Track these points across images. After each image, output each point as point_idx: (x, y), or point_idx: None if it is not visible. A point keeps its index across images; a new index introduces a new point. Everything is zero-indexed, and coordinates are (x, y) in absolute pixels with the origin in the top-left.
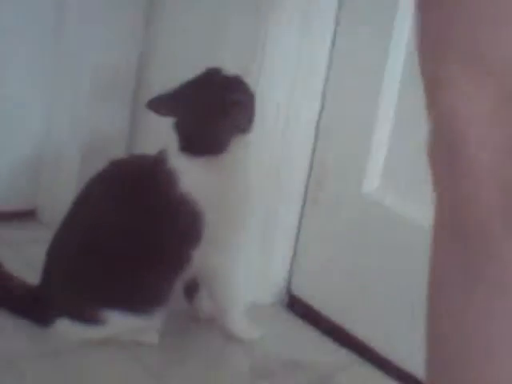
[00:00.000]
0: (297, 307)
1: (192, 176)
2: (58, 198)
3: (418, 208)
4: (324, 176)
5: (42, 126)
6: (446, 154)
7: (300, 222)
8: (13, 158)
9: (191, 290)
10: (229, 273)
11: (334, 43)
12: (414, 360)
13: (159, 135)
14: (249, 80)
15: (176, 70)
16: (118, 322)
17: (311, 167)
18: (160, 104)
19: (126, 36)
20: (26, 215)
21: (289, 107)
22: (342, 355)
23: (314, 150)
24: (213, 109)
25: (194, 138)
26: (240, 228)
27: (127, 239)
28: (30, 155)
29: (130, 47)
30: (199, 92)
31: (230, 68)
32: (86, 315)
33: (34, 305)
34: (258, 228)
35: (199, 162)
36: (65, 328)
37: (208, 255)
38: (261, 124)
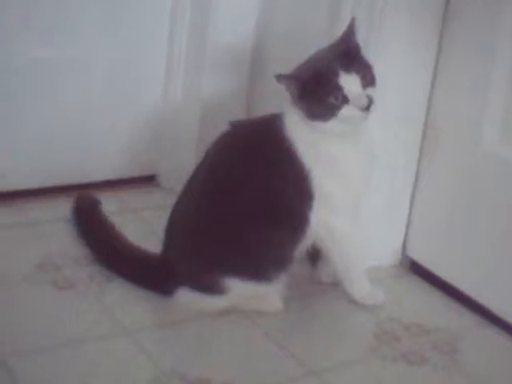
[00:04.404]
0: (417, 269)
1: (305, 138)
2: (178, 163)
3: None
4: (439, 134)
5: (161, 92)
6: None
7: (416, 182)
8: (132, 125)
9: (314, 255)
10: (345, 237)
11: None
12: None
13: (276, 98)
14: None
15: (291, 39)
16: (240, 290)
17: (426, 124)
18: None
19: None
20: (146, 181)
21: (403, 66)
22: (466, 318)
23: (429, 106)
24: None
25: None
26: (350, 192)
27: (248, 204)
28: (149, 122)
29: (248, 16)
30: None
31: None
32: (207, 284)
33: (155, 275)
34: (377, 190)
35: (310, 124)
36: (186, 298)
37: (323, 219)
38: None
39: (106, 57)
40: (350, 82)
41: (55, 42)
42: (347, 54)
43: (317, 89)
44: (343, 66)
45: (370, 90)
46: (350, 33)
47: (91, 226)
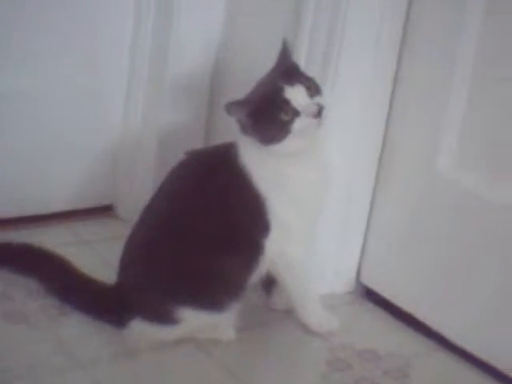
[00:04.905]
0: (371, 296)
1: (260, 166)
2: (135, 193)
3: (495, 186)
4: (395, 160)
5: (118, 122)
6: None
7: (371, 208)
8: (89, 155)
9: (268, 282)
10: (298, 263)
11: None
12: (489, 348)
13: (235, 127)
14: None
15: (251, 69)
16: (193, 320)
17: (382, 151)
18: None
19: (205, 29)
20: (103, 211)
21: (361, 89)
22: (419, 343)
23: (385, 133)
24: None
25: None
26: (307, 218)
27: (202, 233)
28: (107, 151)
29: (207, 44)
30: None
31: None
32: (160, 314)
33: (108, 305)
34: (331, 216)
35: (264, 150)
36: (140, 328)
37: (277, 245)
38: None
39: (65, 87)
40: (295, 94)
41: (13, 72)
42: (287, 71)
43: (266, 110)
44: (286, 81)
45: (317, 99)
46: (284, 52)
47: (37, 262)
